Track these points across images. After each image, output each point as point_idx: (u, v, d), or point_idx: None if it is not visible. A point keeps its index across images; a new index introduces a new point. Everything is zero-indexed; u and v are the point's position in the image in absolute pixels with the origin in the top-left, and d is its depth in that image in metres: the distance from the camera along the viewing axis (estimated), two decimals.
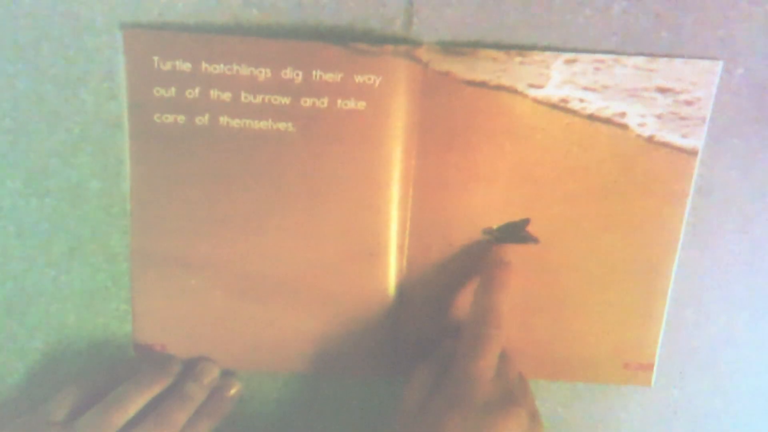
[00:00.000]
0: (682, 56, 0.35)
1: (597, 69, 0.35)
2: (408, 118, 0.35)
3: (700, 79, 0.35)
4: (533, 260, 0.37)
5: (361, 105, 0.35)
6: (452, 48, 0.34)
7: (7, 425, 0.35)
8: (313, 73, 0.34)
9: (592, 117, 0.35)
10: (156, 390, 0.36)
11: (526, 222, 0.37)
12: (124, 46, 0.34)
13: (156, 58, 0.34)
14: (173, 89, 0.34)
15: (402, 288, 0.38)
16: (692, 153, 0.36)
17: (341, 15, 0.34)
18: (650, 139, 0.36)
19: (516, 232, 0.36)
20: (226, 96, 0.34)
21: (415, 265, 0.37)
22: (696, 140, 0.36)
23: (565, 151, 0.36)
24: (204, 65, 0.34)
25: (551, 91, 0.35)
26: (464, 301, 0.38)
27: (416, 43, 0.35)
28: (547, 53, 0.35)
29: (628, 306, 0.38)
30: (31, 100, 0.35)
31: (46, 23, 0.34)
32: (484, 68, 0.34)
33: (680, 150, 0.36)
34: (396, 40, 0.35)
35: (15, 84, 0.35)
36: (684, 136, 0.36)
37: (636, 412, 0.40)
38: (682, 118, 0.36)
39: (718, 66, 0.35)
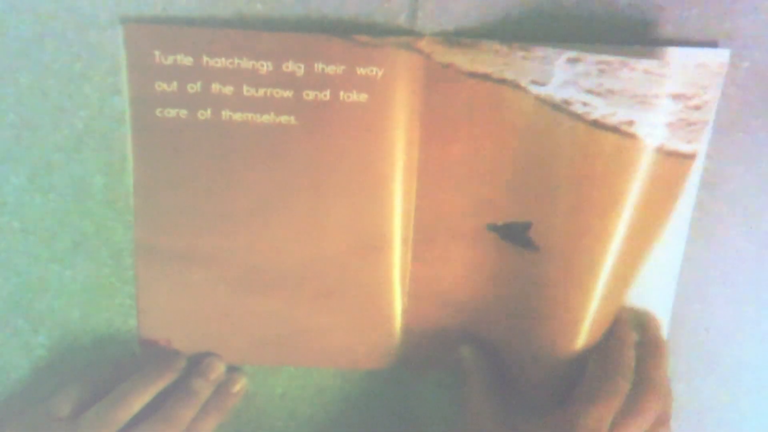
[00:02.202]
0: (687, 45, 0.34)
1: (602, 71, 0.32)
2: (411, 110, 0.35)
3: (710, 80, 0.33)
4: (532, 269, 0.36)
5: (364, 97, 0.34)
6: (454, 40, 0.34)
7: (12, 420, 0.35)
8: (315, 65, 0.34)
9: (596, 123, 0.33)
10: (161, 385, 0.36)
11: (527, 225, 0.35)
12: (124, 40, 0.34)
13: (157, 53, 0.34)
14: (175, 83, 0.34)
15: (407, 280, 0.37)
16: (691, 157, 0.34)
17: (346, 9, 0.34)
18: (659, 149, 0.33)
19: (517, 234, 0.35)
20: (228, 90, 0.34)
21: (420, 257, 0.37)
22: (698, 144, 0.34)
23: (569, 157, 0.34)
24: (205, 59, 0.34)
25: (554, 90, 0.33)
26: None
27: (418, 35, 0.34)
28: (550, 49, 0.33)
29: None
30: (34, 95, 0.35)
31: (49, 18, 0.34)
32: (487, 61, 0.34)
33: (684, 156, 0.34)
34: (398, 32, 0.35)
35: (18, 79, 0.35)
36: (689, 141, 0.33)
37: None
38: (690, 124, 0.33)
39: (726, 56, 0.33)
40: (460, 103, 0.34)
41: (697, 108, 0.33)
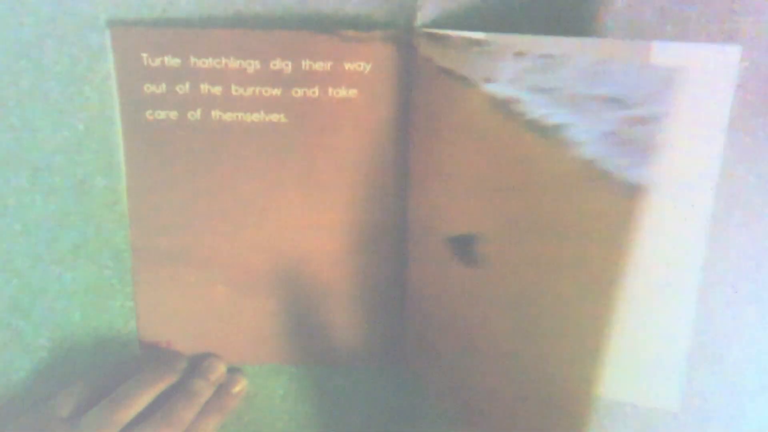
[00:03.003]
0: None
1: (545, 66, 0.28)
2: (400, 104, 0.34)
3: (658, 86, 0.25)
4: (474, 285, 0.33)
5: (353, 93, 0.34)
6: (433, 33, 0.33)
7: (14, 421, 0.35)
8: (303, 62, 0.34)
9: (530, 125, 0.29)
10: (162, 386, 0.36)
11: (469, 239, 0.32)
12: (112, 43, 0.34)
13: (145, 55, 0.34)
14: (164, 85, 0.34)
15: (403, 277, 0.37)
16: (639, 191, 0.26)
17: (345, 9, 0.34)
18: (592, 164, 0.27)
19: (461, 249, 0.33)
20: (217, 90, 0.34)
21: (415, 253, 0.36)
22: (648, 173, 0.26)
23: (511, 163, 0.30)
24: (193, 60, 0.34)
25: (500, 88, 0.30)
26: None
27: (404, 29, 0.34)
28: (500, 43, 0.30)
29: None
30: (35, 97, 0.35)
31: (49, 21, 0.34)
32: (451, 56, 0.32)
33: (625, 185, 0.26)
34: (384, 26, 0.34)
35: (19, 82, 0.35)
36: (629, 166, 0.26)
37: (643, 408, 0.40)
38: (631, 142, 0.26)
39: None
40: (435, 99, 0.34)
41: (643, 122, 0.26)
